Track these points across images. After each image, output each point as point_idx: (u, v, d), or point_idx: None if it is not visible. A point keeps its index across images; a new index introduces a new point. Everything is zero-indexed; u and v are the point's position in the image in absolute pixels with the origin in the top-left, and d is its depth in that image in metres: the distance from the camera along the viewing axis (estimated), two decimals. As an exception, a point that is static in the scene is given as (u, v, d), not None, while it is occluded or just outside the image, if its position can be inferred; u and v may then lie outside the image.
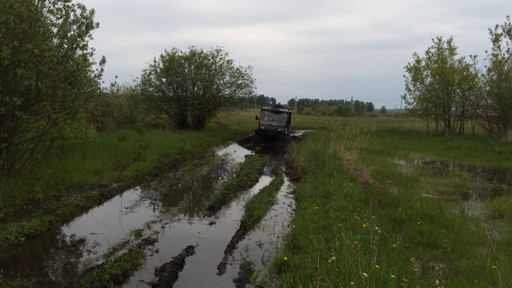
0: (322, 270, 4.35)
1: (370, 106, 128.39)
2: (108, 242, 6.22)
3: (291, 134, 27.93)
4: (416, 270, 4.88)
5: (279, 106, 31.16)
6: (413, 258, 5.30)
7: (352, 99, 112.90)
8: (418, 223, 7.02)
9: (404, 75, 29.71)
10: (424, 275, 4.95)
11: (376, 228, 5.50)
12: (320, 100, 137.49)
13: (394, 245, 5.45)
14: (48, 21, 10.07)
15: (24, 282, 4.86)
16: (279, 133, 23.97)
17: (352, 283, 3.87)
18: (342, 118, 60.06)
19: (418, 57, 29.12)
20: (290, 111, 27.72)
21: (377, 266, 4.24)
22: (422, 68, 29.09)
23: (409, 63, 29.51)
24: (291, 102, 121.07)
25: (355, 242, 5.02)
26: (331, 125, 34.58)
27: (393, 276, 4.10)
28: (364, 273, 3.91)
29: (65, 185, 9.64)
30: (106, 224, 7.33)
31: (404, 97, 30.29)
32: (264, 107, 27.64)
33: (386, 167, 13.34)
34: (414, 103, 29.99)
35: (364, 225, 5.91)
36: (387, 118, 60.54)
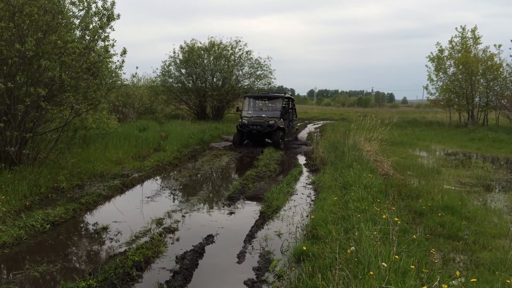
0: (341, 260, 4.36)
1: (391, 96, 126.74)
2: (130, 230, 6.35)
3: (294, 132, 20.28)
4: (436, 261, 4.85)
5: (277, 92, 22.91)
6: (433, 250, 5.26)
7: (372, 89, 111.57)
8: (439, 214, 6.94)
9: (426, 65, 29.17)
10: (444, 266, 4.90)
11: (396, 219, 5.49)
12: (339, 90, 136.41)
13: (414, 236, 5.40)
14: (71, 13, 10.21)
15: (50, 268, 5.01)
16: (269, 127, 16.34)
17: (371, 272, 3.87)
18: (362, 109, 59.43)
19: (441, 46, 28.55)
20: (289, 95, 19.58)
21: (396, 256, 4.22)
22: (445, 58, 28.51)
23: (431, 53, 28.97)
24: (311, 93, 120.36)
25: (375, 232, 5.00)
26: (350, 116, 34.27)
27: (412, 266, 4.09)
28: (384, 263, 3.91)
29: (88, 174, 9.84)
30: (128, 213, 7.47)
31: (426, 88, 29.70)
32: (248, 94, 19.99)
33: (407, 159, 13.19)
34: (437, 94, 29.48)
35: (384, 216, 5.88)
36: (409, 109, 59.66)
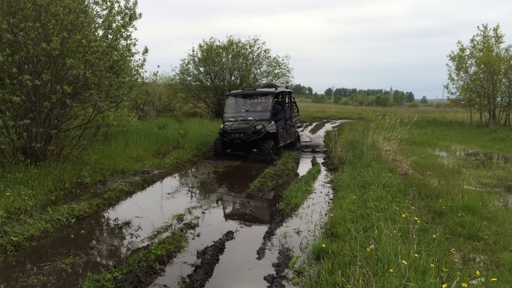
0: (361, 257, 4.40)
1: (410, 96, 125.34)
2: (152, 225, 6.49)
3: (294, 132, 16.02)
4: (456, 260, 4.85)
5: (269, 86, 16.24)
6: (453, 249, 5.26)
7: (391, 88, 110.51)
8: (459, 214, 6.91)
9: (447, 64, 28.76)
10: (464, 266, 4.90)
11: (416, 218, 5.49)
12: (358, 89, 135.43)
13: (434, 235, 5.41)
14: (94, 12, 10.42)
15: (76, 260, 5.17)
16: (256, 133, 12.91)
17: (391, 270, 3.91)
18: (380, 108, 58.89)
19: (462, 45, 28.10)
20: (287, 91, 15.84)
21: (416, 255, 4.25)
22: (466, 57, 28.06)
23: (452, 52, 28.54)
24: (328, 91, 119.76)
25: (394, 231, 5.03)
26: (369, 115, 34.04)
27: (432, 265, 4.11)
28: (404, 261, 3.94)
29: (110, 170, 10.05)
30: (149, 209, 7.62)
31: (446, 87, 29.29)
32: (231, 92, 15.63)
33: (426, 158, 13.09)
34: (457, 93, 29.05)
35: (404, 215, 5.89)
36: (428, 109, 58.88)
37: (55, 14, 8.72)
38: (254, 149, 13.41)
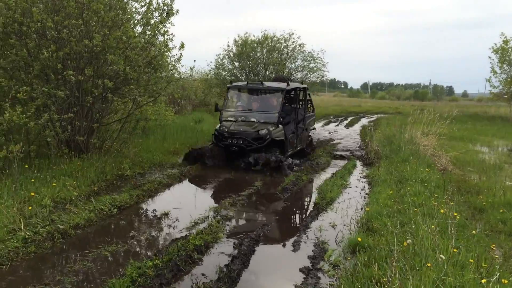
0: (398, 252, 4.38)
1: (450, 90, 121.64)
2: (190, 216, 6.66)
3: (307, 136, 13.29)
4: (496, 257, 4.75)
5: (280, 79, 13.73)
6: (493, 246, 5.14)
7: (430, 82, 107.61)
8: (501, 211, 6.73)
9: (489, 57, 27.80)
10: (505, 263, 4.79)
11: (455, 214, 5.40)
12: (395, 83, 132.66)
13: (473, 231, 5.31)
14: (133, 9, 10.70)
15: (118, 248, 5.39)
16: (258, 140, 10.50)
17: (428, 264, 3.88)
18: (418, 102, 57.42)
19: (505, 37, 27.06)
20: (302, 87, 12.95)
21: (455, 250, 4.20)
22: (510, 49, 27.00)
23: (495, 44, 27.53)
24: (364, 86, 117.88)
25: (432, 226, 4.96)
26: (406, 110, 33.29)
27: (471, 260, 4.04)
28: (442, 255, 3.90)
29: (148, 163, 10.33)
30: (186, 201, 7.81)
31: (489, 80, 28.33)
32: (233, 84, 12.60)
33: (466, 154, 12.74)
34: (500, 87, 28.04)
35: (442, 211, 5.80)
36: (469, 103, 56.99)
37: (96, 11, 9.02)
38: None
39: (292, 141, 11.48)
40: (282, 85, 11.68)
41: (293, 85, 12.37)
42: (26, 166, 7.91)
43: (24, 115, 7.70)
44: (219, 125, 11.08)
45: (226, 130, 10.65)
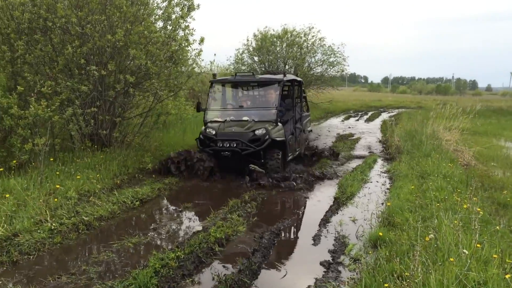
0: (420, 247, 4.35)
1: (473, 84, 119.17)
2: (211, 209, 6.72)
3: (306, 138, 11.80)
4: (522, 253, 4.66)
5: (271, 73, 12.25)
6: (518, 242, 5.05)
7: (453, 76, 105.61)
8: (526, 207, 6.59)
9: (514, 50, 27.07)
10: (531, 259, 4.70)
11: (478, 209, 5.31)
12: (416, 77, 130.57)
13: (497, 227, 5.22)
14: (155, 4, 10.79)
15: (141, 240, 5.49)
16: (255, 142, 8.73)
17: (451, 259, 3.84)
18: (441, 96, 56.45)
19: (532, 29, 26.32)
20: (298, 79, 10.90)
21: (478, 245, 4.14)
22: (537, 42, 26.28)
23: (521, 36, 26.82)
24: (385, 80, 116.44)
25: (455, 221, 4.90)
26: (428, 104, 32.79)
27: (495, 256, 3.99)
28: (465, 250, 3.86)
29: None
30: (208, 194, 7.87)
31: (514, 74, 27.59)
32: (217, 78, 10.62)
33: (490, 149, 12.51)
34: (526, 80, 27.30)
35: (465, 206, 5.72)
36: (493, 97, 55.81)
37: (119, 6, 9.14)
38: (252, 166, 8.65)
39: (292, 144, 9.75)
40: (279, 76, 9.92)
41: (289, 76, 10.34)
42: (51, 159, 8.09)
43: (49, 109, 7.88)
44: (204, 127, 9.34)
45: (214, 132, 8.87)
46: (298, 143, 10.47)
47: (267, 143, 8.65)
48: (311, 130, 13.04)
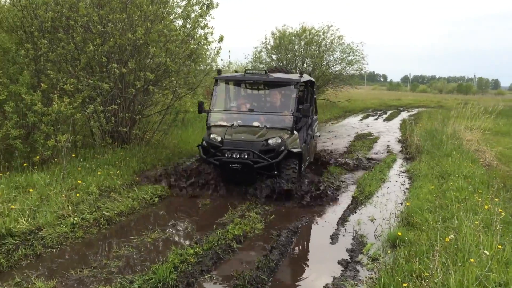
0: (439, 247, 4.31)
1: (496, 83, 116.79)
2: (228, 206, 6.76)
3: (315, 145, 10.71)
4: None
5: (277, 69, 10.31)
6: (542, 244, 4.95)
7: (474, 75, 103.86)
8: (550, 209, 6.45)
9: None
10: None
11: (500, 210, 5.23)
12: (437, 76, 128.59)
13: (520, 229, 5.13)
14: (175, 3, 10.88)
15: (160, 235, 5.57)
16: (269, 153, 7.45)
17: (471, 260, 3.80)
18: (462, 96, 55.50)
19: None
20: (308, 79, 9.50)
21: (500, 246, 4.08)
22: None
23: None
24: (405, 79, 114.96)
25: (476, 222, 4.84)
26: (449, 104, 32.29)
27: (518, 258, 3.93)
28: (486, 251, 3.81)
29: (187, 154, 10.54)
30: (226, 191, 7.90)
31: (538, 73, 26.95)
32: (221, 76, 8.96)
33: (513, 149, 12.26)
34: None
35: (486, 207, 5.64)
36: (516, 97, 54.54)
37: (139, 5, 9.25)
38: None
39: (304, 154, 8.50)
40: (294, 76, 8.77)
41: (306, 77, 9.17)
42: (73, 155, 8.26)
43: (71, 106, 8.04)
44: (207, 132, 8.02)
45: (220, 139, 7.58)
46: (309, 152, 9.39)
47: (282, 156, 7.41)
48: (319, 135, 11.68)
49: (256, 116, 8.31)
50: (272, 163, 7.34)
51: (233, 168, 7.31)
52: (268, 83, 8.81)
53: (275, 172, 7.48)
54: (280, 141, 7.50)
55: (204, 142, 7.82)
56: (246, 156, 7.31)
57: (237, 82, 9.17)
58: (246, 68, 7.90)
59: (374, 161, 11.07)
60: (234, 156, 7.33)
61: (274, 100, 8.96)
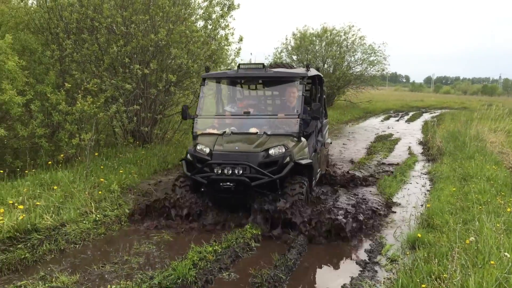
0: (459, 249, 4.26)
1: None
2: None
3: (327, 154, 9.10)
4: None
5: (277, 65, 7.81)
6: None
7: (500, 76, 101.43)
8: None
9: None
10: None
11: (524, 213, 5.14)
12: (461, 77, 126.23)
13: (544, 232, 5.02)
14: (196, 4, 11.01)
15: (180, 233, 5.66)
16: (269, 167, 5.85)
17: (492, 262, 3.75)
18: (487, 97, 54.36)
19: None
20: (316, 73, 7.69)
21: (522, 249, 4.02)
22: None
23: None
24: (427, 80, 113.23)
25: (498, 224, 4.77)
26: (473, 105, 31.69)
27: (540, 261, 3.85)
28: (507, 253, 3.76)
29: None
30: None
31: None
32: (208, 74, 7.13)
33: (539, 152, 11.96)
34: None
35: (509, 210, 5.55)
36: (543, 98, 53.09)
37: (162, 7, 9.40)
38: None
39: (315, 165, 7.01)
40: (301, 70, 7.16)
41: (313, 71, 7.52)
42: (96, 154, 8.44)
43: (94, 106, 8.22)
44: (193, 143, 6.47)
45: (208, 151, 6.04)
46: (320, 162, 7.80)
47: (288, 169, 5.84)
48: (330, 142, 9.67)
49: (253, 121, 6.72)
50: (275, 179, 5.78)
51: (224, 188, 5.74)
52: (268, 80, 7.25)
53: (280, 192, 5.99)
54: (284, 150, 5.95)
55: (188, 155, 6.28)
56: (241, 172, 5.71)
57: (230, 81, 7.73)
58: (239, 64, 6.70)
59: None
60: (226, 172, 5.72)
61: (275, 99, 7.97)
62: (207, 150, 6.06)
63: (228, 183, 5.70)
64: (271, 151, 5.94)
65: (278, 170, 5.83)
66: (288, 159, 5.92)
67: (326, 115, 8.93)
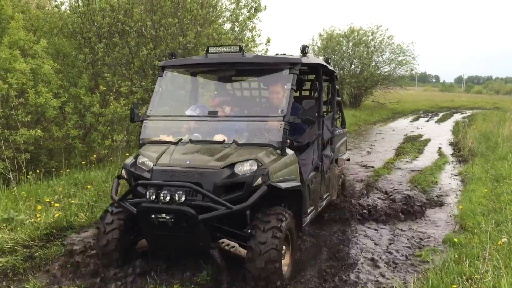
0: (491, 250, 4.20)
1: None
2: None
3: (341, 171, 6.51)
4: None
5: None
6: None
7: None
8: None
9: None
10: None
11: (559, 214, 5.01)
12: (494, 77, 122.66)
13: None
14: (224, 7, 11.15)
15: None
16: (236, 192, 3.84)
17: (525, 263, 3.68)
18: (520, 97, 52.73)
19: None
20: (327, 66, 5.48)
21: (557, 251, 3.92)
22: None
23: None
24: (458, 79, 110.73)
25: (532, 226, 4.67)
26: (506, 105, 30.79)
27: None
28: (541, 255, 3.68)
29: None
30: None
31: None
32: (168, 61, 5.05)
33: None
34: None
35: (544, 211, 5.40)
36: None
37: (190, 10, 9.57)
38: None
39: (315, 190, 5.20)
40: (290, 57, 4.97)
41: (312, 58, 5.19)
42: (127, 154, 8.64)
43: (126, 108, 8.43)
44: (133, 156, 4.59)
45: (151, 167, 4.15)
46: (328, 186, 5.77)
47: (259, 195, 3.77)
48: (348, 159, 7.07)
49: (220, 125, 4.70)
50: (236, 210, 3.70)
51: (160, 222, 3.70)
52: (245, 68, 5.25)
53: (248, 231, 3.88)
54: (255, 167, 3.95)
55: (123, 173, 4.40)
56: (183, 198, 3.70)
57: (196, 70, 5.55)
58: (208, 47, 4.89)
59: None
60: (162, 197, 3.70)
61: (253, 95, 6.27)
62: (150, 165, 4.16)
63: (163, 214, 3.67)
64: (238, 169, 3.97)
65: (244, 196, 3.84)
66: (259, 180, 3.87)
67: (343, 123, 6.90)
